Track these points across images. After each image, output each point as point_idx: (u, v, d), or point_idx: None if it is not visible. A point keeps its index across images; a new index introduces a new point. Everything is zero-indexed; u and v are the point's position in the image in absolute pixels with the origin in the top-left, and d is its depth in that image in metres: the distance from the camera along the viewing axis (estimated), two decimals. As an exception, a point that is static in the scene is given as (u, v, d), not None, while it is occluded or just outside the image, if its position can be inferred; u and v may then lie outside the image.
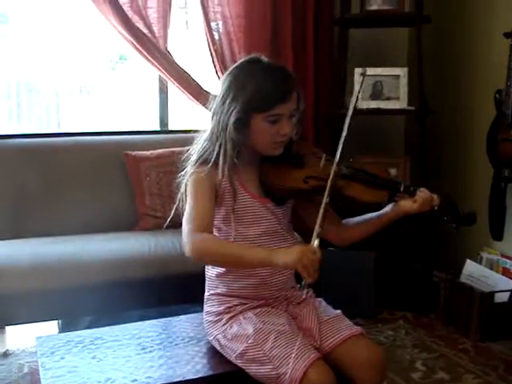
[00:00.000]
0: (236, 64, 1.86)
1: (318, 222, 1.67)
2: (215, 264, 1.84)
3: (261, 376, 1.70)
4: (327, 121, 3.72)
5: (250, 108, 1.74)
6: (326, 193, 1.70)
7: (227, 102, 1.76)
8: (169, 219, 1.98)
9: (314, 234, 1.66)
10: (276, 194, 1.84)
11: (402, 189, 1.82)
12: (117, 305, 2.79)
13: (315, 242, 1.64)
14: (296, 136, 1.89)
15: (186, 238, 1.71)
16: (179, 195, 1.85)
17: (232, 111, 1.75)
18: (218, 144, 1.78)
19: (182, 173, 1.85)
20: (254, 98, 1.73)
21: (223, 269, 1.85)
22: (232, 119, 1.75)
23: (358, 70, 1.85)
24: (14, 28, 4.42)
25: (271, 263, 1.65)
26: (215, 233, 1.85)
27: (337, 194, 1.76)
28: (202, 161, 1.80)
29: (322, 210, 1.68)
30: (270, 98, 1.74)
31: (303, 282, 1.64)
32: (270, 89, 1.74)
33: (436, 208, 1.81)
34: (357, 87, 1.83)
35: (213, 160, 1.78)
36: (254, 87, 1.74)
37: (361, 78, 1.92)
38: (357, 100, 1.81)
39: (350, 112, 1.78)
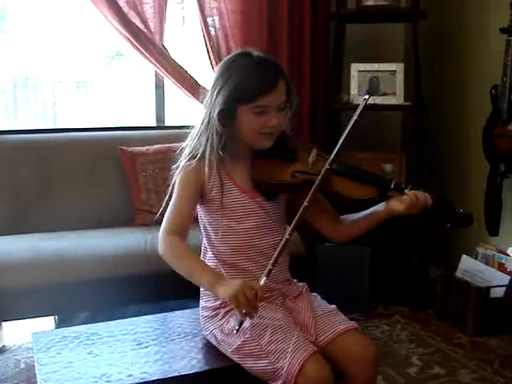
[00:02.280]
0: (226, 57, 1.86)
1: (273, 258, 1.67)
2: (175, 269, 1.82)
3: (257, 371, 1.70)
4: (324, 116, 3.72)
5: (234, 99, 1.74)
6: (309, 195, 1.70)
7: (214, 93, 1.77)
8: (158, 213, 1.95)
9: (265, 271, 1.66)
10: (265, 188, 1.83)
11: (392, 186, 1.77)
12: (113, 300, 2.80)
13: (262, 281, 1.64)
14: (291, 131, 1.89)
15: (159, 237, 1.78)
16: (170, 188, 1.87)
17: (217, 102, 1.75)
18: (205, 137, 1.80)
19: (175, 166, 1.86)
20: (237, 89, 1.73)
21: (217, 262, 1.86)
22: (217, 110, 1.75)
23: (362, 97, 1.79)
24: (12, 24, 4.42)
25: (212, 292, 1.72)
26: (207, 227, 1.87)
27: (324, 188, 1.75)
28: (193, 154, 1.82)
29: (284, 240, 1.68)
30: (253, 88, 1.73)
31: (237, 320, 1.65)
32: (253, 79, 1.74)
33: (429, 207, 1.75)
34: (358, 110, 1.78)
35: (200, 153, 1.80)
36: (239, 78, 1.74)
37: (363, 102, 1.80)
38: (355, 121, 1.78)
39: (349, 126, 1.77)
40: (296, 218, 1.70)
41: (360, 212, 1.87)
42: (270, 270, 1.66)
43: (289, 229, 1.70)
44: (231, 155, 1.82)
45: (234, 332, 1.68)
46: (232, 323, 1.73)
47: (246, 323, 1.71)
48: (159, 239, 1.78)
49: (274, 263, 1.67)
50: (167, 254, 1.76)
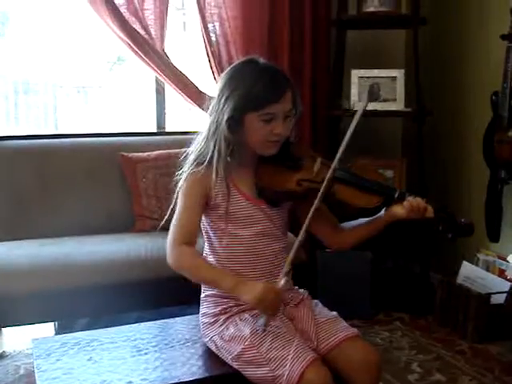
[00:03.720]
0: (232, 64, 1.88)
1: (289, 259, 1.71)
2: (191, 279, 1.85)
3: (257, 378, 1.70)
4: (324, 122, 3.72)
5: (242, 106, 1.75)
6: (316, 201, 1.71)
7: (222, 100, 1.78)
8: (164, 220, 1.97)
9: (283, 271, 1.70)
10: (269, 196, 1.84)
11: (396, 195, 1.79)
12: (113, 307, 2.80)
13: (282, 282, 1.68)
14: (295, 139, 1.90)
15: (168, 249, 1.80)
16: (175, 194, 1.87)
17: (225, 110, 1.76)
18: (212, 143, 1.80)
19: (180, 171, 1.86)
20: (246, 97, 1.75)
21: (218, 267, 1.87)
22: (225, 117, 1.76)
23: (359, 105, 1.81)
24: (13, 29, 4.42)
25: (235, 296, 1.75)
26: (210, 233, 1.88)
27: (329, 197, 1.76)
28: (199, 161, 1.82)
29: (300, 235, 1.71)
30: (262, 96, 1.75)
31: (263, 319, 1.70)
32: (262, 88, 1.75)
33: (431, 217, 1.77)
34: (355, 120, 1.80)
35: (208, 160, 1.80)
36: (247, 86, 1.76)
37: (361, 111, 1.80)
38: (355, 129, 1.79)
39: (348, 134, 1.77)
40: (306, 222, 1.72)
41: (358, 220, 1.88)
42: (289, 270, 1.70)
43: (301, 231, 1.72)
44: (236, 162, 1.83)
45: (260, 331, 1.71)
46: (259, 322, 1.73)
47: (261, 327, 1.73)
48: (168, 251, 1.79)
49: (292, 263, 1.70)
50: (180, 265, 1.79)
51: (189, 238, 1.79)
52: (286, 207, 1.92)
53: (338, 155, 1.77)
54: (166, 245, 1.81)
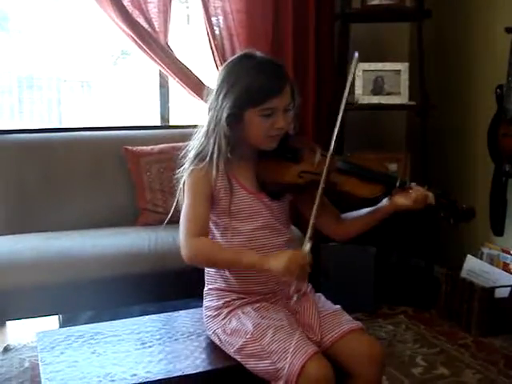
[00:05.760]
0: (230, 59, 1.87)
1: (310, 224, 1.70)
2: (210, 267, 1.88)
3: (259, 371, 1.70)
4: (328, 116, 3.71)
5: (242, 102, 1.75)
6: (319, 193, 1.71)
7: (220, 97, 1.78)
8: (169, 216, 2.00)
9: (306, 237, 1.69)
10: (271, 189, 1.84)
11: (397, 184, 1.80)
12: (117, 300, 2.80)
13: (307, 247, 1.67)
14: (293, 131, 1.89)
15: (183, 242, 1.77)
16: (178, 192, 1.87)
17: (225, 106, 1.76)
18: (212, 139, 1.80)
19: (181, 169, 1.86)
20: (246, 93, 1.74)
21: None
22: (225, 114, 1.76)
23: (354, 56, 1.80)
24: (16, 23, 4.43)
25: (262, 269, 1.71)
26: (213, 228, 1.87)
27: (332, 188, 1.76)
28: (200, 157, 1.82)
29: (314, 212, 1.70)
30: (262, 91, 1.74)
31: (293, 288, 1.69)
32: (262, 83, 1.75)
33: (433, 203, 1.78)
34: (349, 77, 1.81)
35: (209, 156, 1.80)
36: (247, 81, 1.75)
37: (354, 64, 1.82)
38: (349, 92, 1.80)
39: (342, 106, 1.80)
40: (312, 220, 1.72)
41: (361, 209, 1.88)
42: (313, 234, 1.69)
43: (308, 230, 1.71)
44: (237, 157, 1.83)
45: (294, 299, 1.73)
46: (294, 298, 1.75)
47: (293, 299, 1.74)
48: (183, 246, 1.76)
49: (313, 227, 1.70)
50: (199, 256, 1.77)
51: (201, 231, 1.78)
52: (287, 200, 1.92)
53: (332, 142, 1.77)
54: (180, 241, 1.78)
